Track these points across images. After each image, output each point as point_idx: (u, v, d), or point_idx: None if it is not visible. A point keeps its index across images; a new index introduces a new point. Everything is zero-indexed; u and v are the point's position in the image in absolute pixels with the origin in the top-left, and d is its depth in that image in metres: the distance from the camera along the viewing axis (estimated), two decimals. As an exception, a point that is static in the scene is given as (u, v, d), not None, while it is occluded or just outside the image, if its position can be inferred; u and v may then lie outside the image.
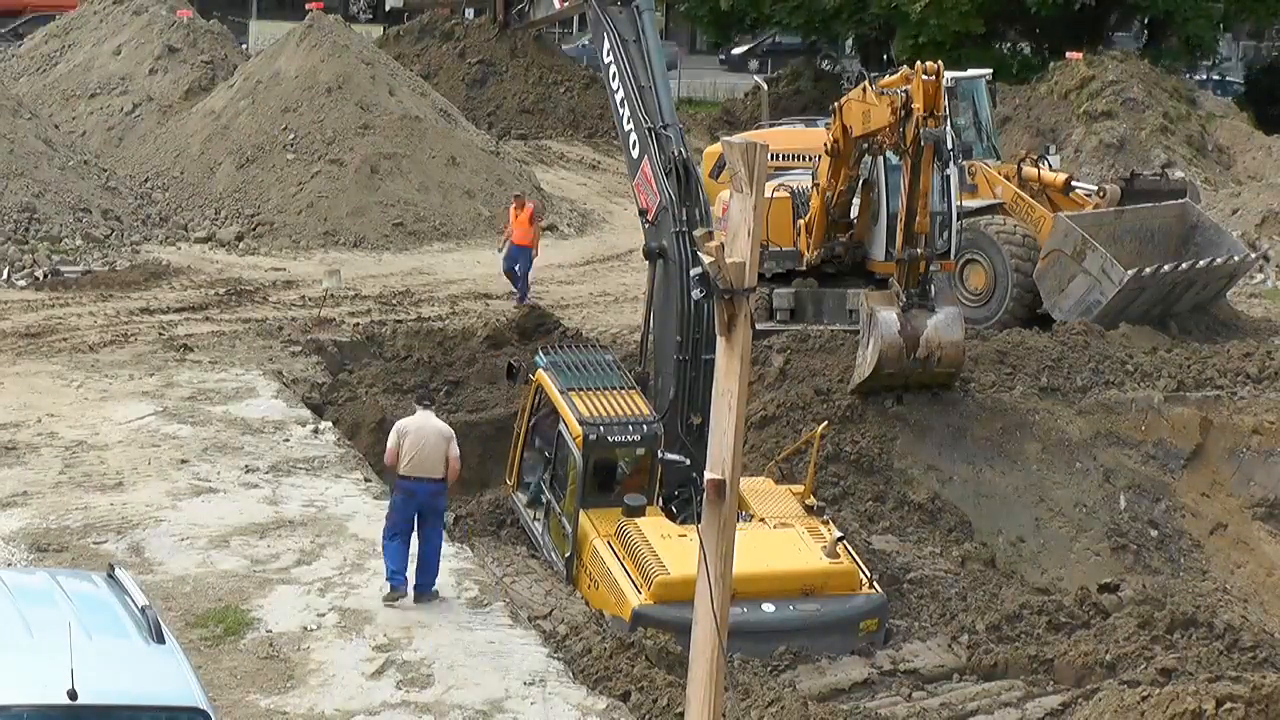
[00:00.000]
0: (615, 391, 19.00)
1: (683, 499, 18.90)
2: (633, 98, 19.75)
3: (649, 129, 19.51)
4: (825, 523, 18.78)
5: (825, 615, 17.64)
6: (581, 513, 18.38)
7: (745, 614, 16.59)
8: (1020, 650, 17.70)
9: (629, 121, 19.78)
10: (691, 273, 18.51)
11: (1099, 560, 22.08)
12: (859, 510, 21.19)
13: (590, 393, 18.91)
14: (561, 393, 18.99)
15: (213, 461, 20.87)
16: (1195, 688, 14.83)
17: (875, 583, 18.25)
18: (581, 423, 18.44)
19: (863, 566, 18.33)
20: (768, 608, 17.25)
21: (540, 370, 19.62)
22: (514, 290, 29.68)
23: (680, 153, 19.33)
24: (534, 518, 19.62)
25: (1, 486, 19.77)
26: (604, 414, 18.59)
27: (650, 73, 19.87)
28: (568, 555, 18.52)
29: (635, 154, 19.72)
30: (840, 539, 18.23)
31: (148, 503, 19.42)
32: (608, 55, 20.17)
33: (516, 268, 29.67)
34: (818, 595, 17.78)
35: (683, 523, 18.35)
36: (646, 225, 19.61)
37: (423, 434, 17.36)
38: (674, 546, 17.63)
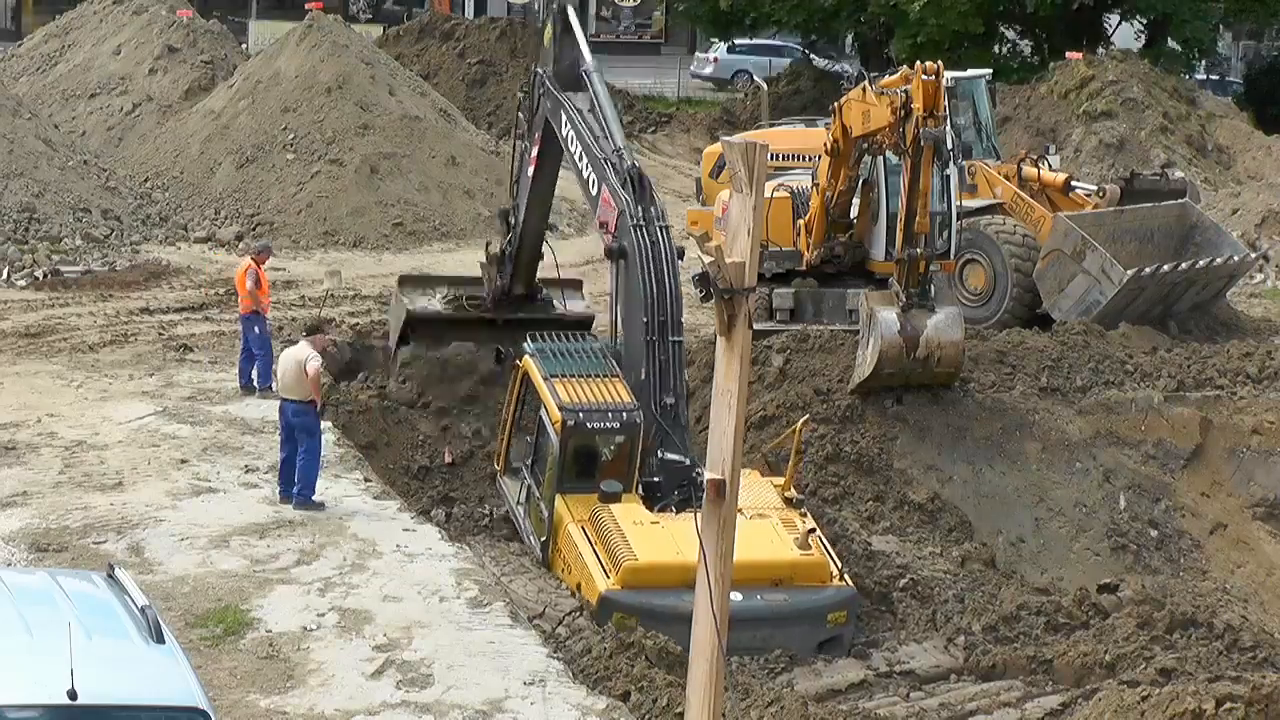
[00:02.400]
0: (598, 379, 19.15)
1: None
2: (588, 144, 21.27)
3: (603, 159, 20.86)
4: (802, 515, 18.76)
5: (792, 606, 17.60)
6: (558, 497, 18.48)
7: None
8: (1019, 650, 17.68)
9: (586, 166, 21.21)
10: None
11: (1099, 560, 22.06)
12: (859, 510, 21.16)
13: (573, 379, 19.08)
14: (545, 379, 19.16)
15: (213, 461, 20.86)
16: (1195, 688, 14.81)
17: (846, 575, 18.23)
18: (561, 408, 18.57)
19: (834, 558, 18.30)
20: (735, 597, 17.08)
21: (526, 356, 19.84)
22: None
23: (633, 165, 20.59)
24: (517, 501, 19.76)
25: (1, 486, 19.76)
26: (584, 400, 18.73)
27: (604, 121, 21.36)
28: (544, 539, 18.64)
29: (594, 189, 21.02)
30: (811, 531, 18.23)
31: (148, 503, 19.41)
32: (565, 126, 21.68)
33: None
34: (786, 586, 17.79)
35: (660, 511, 18.38)
36: (606, 235, 20.65)
37: (286, 360, 19.94)
38: (645, 533, 17.69)
